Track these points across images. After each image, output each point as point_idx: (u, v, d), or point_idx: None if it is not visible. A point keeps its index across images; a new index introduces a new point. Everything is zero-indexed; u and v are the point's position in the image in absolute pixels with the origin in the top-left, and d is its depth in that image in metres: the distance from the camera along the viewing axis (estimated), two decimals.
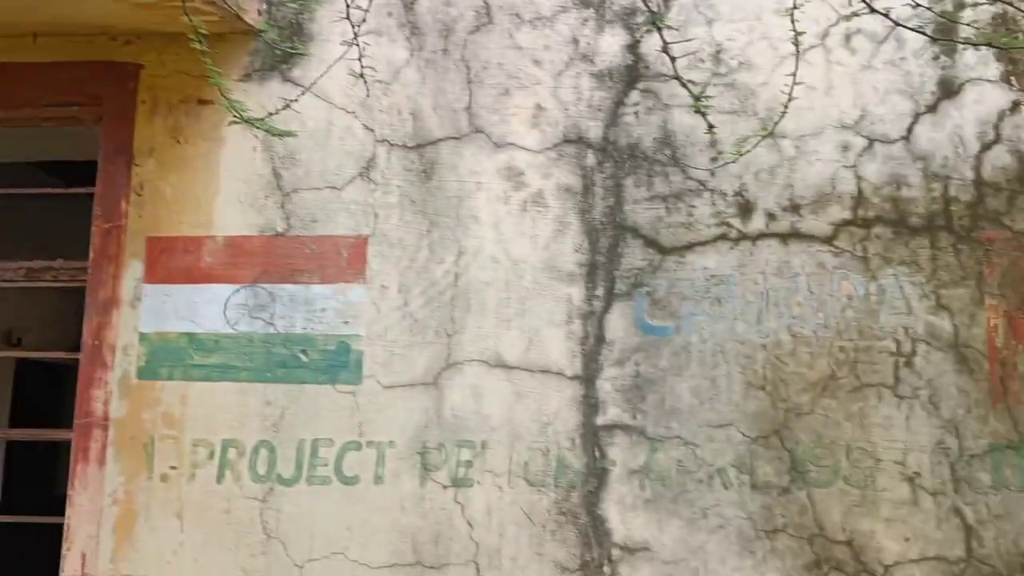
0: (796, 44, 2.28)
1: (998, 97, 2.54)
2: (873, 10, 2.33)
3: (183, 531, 2.54)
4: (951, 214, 2.50)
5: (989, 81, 2.55)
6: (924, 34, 2.36)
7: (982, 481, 2.40)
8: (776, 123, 2.38)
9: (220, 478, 2.56)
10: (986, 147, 2.52)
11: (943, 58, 2.57)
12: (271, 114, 2.25)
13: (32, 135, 3.17)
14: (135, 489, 2.57)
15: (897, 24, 2.37)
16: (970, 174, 2.52)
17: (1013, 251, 2.48)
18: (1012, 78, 2.54)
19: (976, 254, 2.49)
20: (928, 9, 2.38)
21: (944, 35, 2.54)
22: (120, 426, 2.60)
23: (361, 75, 2.40)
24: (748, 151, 2.39)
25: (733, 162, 2.45)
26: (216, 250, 2.65)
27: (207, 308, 2.63)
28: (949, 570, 2.37)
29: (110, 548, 2.56)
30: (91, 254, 2.70)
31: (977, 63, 2.55)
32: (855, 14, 2.53)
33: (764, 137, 2.38)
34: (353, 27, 2.35)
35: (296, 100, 2.39)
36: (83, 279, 2.72)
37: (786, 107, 2.35)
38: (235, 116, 2.15)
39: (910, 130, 2.55)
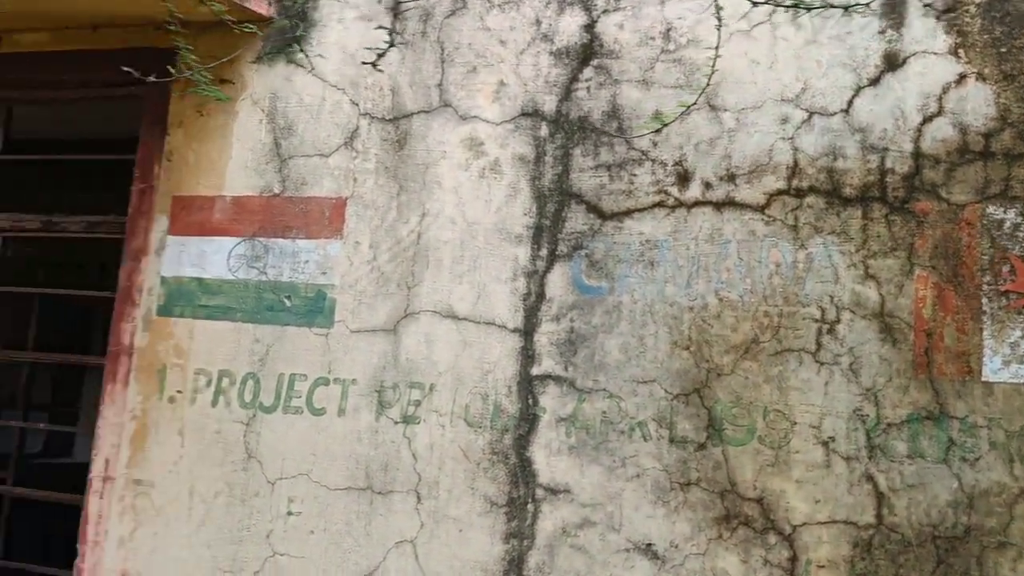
0: (718, 18, 2.41)
1: (944, 70, 2.53)
2: None
3: (183, 446, 2.97)
4: (886, 185, 2.52)
5: (935, 54, 2.54)
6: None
7: (898, 450, 2.41)
8: (698, 97, 2.50)
9: (215, 403, 2.97)
10: (928, 119, 2.52)
11: (889, 32, 2.58)
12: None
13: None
14: (148, 408, 3.03)
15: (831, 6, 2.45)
16: (908, 146, 2.52)
17: (947, 223, 2.47)
18: (960, 50, 2.52)
19: (909, 225, 2.49)
20: None
21: (892, 9, 2.57)
22: (141, 355, 3.07)
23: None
24: (669, 123, 2.52)
25: (656, 132, 2.60)
26: (225, 208, 3.07)
27: (214, 257, 3.05)
28: (858, 535, 2.41)
29: (127, 456, 3.03)
30: (129, 210, 3.19)
31: (925, 36, 2.55)
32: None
33: (686, 109, 2.50)
34: None
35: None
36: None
37: (709, 80, 2.48)
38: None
39: (850, 103, 2.59)
